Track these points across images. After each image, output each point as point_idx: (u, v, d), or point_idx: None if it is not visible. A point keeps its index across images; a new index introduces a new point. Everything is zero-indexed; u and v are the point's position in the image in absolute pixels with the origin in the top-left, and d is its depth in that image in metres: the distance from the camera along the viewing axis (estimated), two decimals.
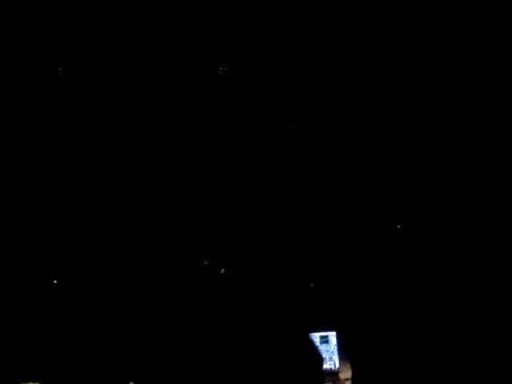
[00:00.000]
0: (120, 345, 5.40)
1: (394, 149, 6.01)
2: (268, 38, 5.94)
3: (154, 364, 5.45)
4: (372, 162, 6.03)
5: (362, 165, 6.04)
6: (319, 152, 6.12)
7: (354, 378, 5.82)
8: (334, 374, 5.93)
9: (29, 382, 4.94)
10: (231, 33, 5.92)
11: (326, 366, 5.91)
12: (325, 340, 5.96)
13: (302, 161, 6.14)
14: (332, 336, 5.98)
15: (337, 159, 6.10)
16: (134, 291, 5.68)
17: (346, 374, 5.93)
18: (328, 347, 5.93)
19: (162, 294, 5.74)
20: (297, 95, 6.13)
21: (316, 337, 6.03)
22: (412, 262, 5.85)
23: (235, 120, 6.17)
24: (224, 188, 6.14)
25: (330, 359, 5.91)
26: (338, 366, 5.89)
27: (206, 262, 6.06)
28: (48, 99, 5.89)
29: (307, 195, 6.09)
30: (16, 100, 5.80)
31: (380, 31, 5.79)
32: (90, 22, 5.72)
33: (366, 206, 6.02)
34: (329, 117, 6.11)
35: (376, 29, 5.80)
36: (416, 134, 5.94)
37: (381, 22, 5.75)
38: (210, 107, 6.15)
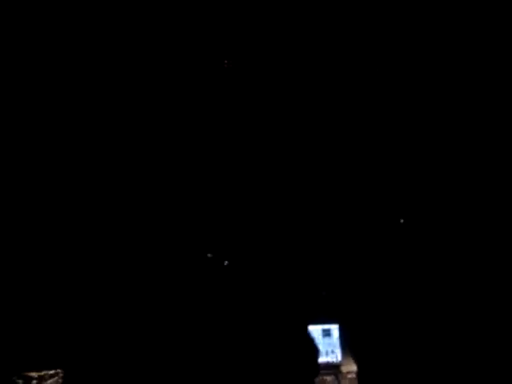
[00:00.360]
0: (122, 337, 5.43)
1: (396, 143, 6.00)
2: (273, 31, 5.92)
3: (157, 355, 5.48)
4: (375, 158, 6.03)
5: (364, 160, 6.04)
6: (323, 149, 6.11)
7: (359, 372, 5.86)
8: (336, 366, 5.97)
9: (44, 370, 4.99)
10: (236, 26, 5.91)
11: (328, 359, 5.94)
12: (327, 333, 5.99)
13: (307, 156, 6.14)
14: (334, 329, 6.01)
15: (340, 156, 6.09)
16: (136, 283, 5.71)
17: (348, 366, 5.96)
18: (330, 340, 5.96)
19: (165, 286, 5.77)
20: (302, 90, 6.11)
21: (318, 330, 6.07)
22: (415, 256, 5.85)
23: (239, 114, 6.17)
24: (227, 181, 6.15)
25: (332, 352, 5.94)
26: (340, 359, 5.92)
27: (209, 255, 6.08)
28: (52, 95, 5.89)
29: (310, 190, 6.09)
30: (19, 95, 5.81)
31: (383, 29, 5.77)
32: (96, 17, 5.72)
33: (368, 200, 6.02)
34: (333, 111, 6.10)
35: (379, 26, 5.77)
36: (418, 129, 5.92)
37: (384, 19, 5.73)
38: (214, 100, 6.14)
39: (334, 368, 5.93)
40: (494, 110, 5.78)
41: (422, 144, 5.99)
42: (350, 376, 5.88)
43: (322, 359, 5.89)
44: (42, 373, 4.82)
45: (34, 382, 4.89)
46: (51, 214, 5.74)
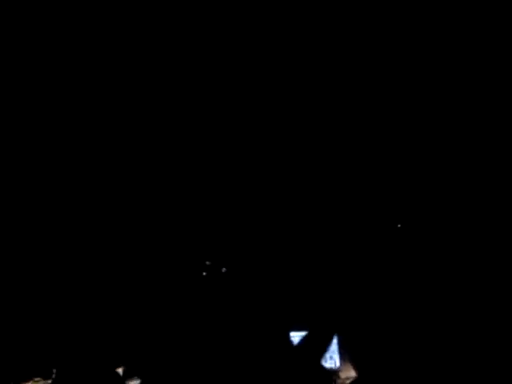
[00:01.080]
0: (120, 342, 5.46)
1: (394, 147, 5.95)
2: (271, 34, 5.89)
3: (155, 359, 5.51)
4: (372, 160, 5.98)
5: (361, 163, 6.00)
6: (319, 150, 6.08)
7: (359, 378, 5.83)
8: (334, 373, 5.95)
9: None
10: (234, 30, 5.89)
11: (327, 364, 5.92)
12: None
13: (302, 159, 6.11)
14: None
15: (337, 157, 6.06)
16: (134, 290, 5.73)
17: (347, 373, 5.93)
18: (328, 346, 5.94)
19: (162, 292, 5.79)
20: (299, 93, 6.07)
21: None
22: (412, 261, 5.80)
23: (236, 117, 6.15)
24: (225, 187, 6.14)
25: (331, 358, 5.91)
26: (338, 364, 5.90)
27: (207, 262, 6.09)
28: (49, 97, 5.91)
29: (307, 193, 6.06)
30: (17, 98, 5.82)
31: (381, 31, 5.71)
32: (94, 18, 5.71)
33: (366, 204, 5.98)
34: (330, 114, 6.05)
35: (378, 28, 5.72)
36: (416, 132, 5.87)
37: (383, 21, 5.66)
38: (210, 104, 6.12)
39: (332, 374, 5.90)
40: (494, 111, 5.71)
41: (421, 145, 5.93)
42: (348, 382, 5.86)
43: None
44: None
45: None
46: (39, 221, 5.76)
